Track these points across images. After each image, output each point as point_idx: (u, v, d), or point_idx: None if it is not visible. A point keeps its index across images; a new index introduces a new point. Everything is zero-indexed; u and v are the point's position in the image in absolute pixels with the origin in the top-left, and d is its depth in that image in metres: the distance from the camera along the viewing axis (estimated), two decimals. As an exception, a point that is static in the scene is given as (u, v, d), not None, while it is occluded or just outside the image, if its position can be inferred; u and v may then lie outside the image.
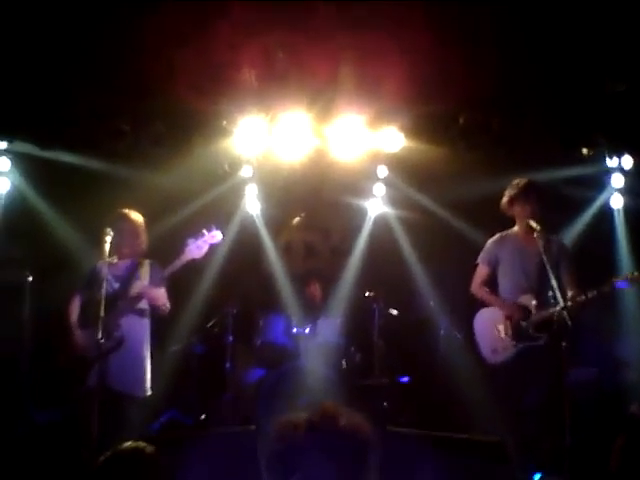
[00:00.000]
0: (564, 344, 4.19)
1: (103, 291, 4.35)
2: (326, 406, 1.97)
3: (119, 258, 4.78)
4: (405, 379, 6.49)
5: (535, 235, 4.63)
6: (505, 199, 4.97)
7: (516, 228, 5.02)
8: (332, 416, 1.94)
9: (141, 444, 1.95)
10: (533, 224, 4.69)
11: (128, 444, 1.98)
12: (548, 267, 4.45)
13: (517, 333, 4.77)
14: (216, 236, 4.91)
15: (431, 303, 6.24)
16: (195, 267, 4.94)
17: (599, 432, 4.82)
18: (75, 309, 4.82)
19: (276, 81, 5.21)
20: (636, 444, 2.01)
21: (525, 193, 4.85)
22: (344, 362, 6.16)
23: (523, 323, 4.75)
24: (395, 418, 5.78)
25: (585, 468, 4.36)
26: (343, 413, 1.95)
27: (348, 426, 1.94)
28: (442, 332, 6.21)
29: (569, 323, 4.22)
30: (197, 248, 4.81)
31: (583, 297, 4.53)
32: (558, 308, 4.38)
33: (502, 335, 4.82)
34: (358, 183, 6.38)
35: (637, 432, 2.04)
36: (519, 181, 4.95)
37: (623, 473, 2.01)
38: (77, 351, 4.64)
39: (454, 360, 6.07)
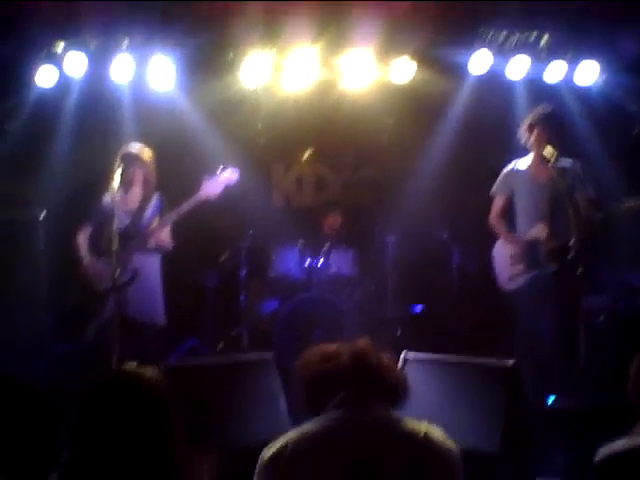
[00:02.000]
0: (579, 270, 4.21)
1: (115, 225, 4.35)
2: (365, 341, 2.05)
3: (128, 192, 4.77)
4: (418, 308, 6.55)
5: (550, 162, 4.59)
6: (524, 125, 4.93)
7: (530, 156, 4.99)
8: (374, 351, 2.02)
9: (141, 367, 1.94)
10: (549, 151, 4.64)
11: (126, 366, 1.97)
12: (563, 194, 4.49)
13: (528, 261, 4.85)
14: (232, 175, 4.87)
15: (444, 235, 6.23)
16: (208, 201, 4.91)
17: (614, 357, 4.89)
18: (84, 241, 4.84)
19: (282, 11, 5.08)
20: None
21: (546, 120, 4.80)
22: (357, 293, 6.23)
23: (534, 251, 4.83)
24: (409, 346, 5.84)
25: (599, 391, 4.44)
26: (382, 352, 2.04)
27: (390, 364, 2.03)
28: (455, 263, 6.21)
29: (583, 250, 4.25)
30: (213, 186, 4.79)
31: (594, 220, 4.58)
32: (574, 235, 4.40)
33: (514, 263, 4.92)
34: (368, 114, 6.25)
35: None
36: (542, 108, 4.90)
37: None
38: (90, 281, 4.69)
39: (468, 291, 6.12)
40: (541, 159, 4.77)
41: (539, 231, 4.86)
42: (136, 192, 4.85)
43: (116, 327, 4.17)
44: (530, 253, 4.86)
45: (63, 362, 5.23)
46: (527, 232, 4.93)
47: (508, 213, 5.07)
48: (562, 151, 4.69)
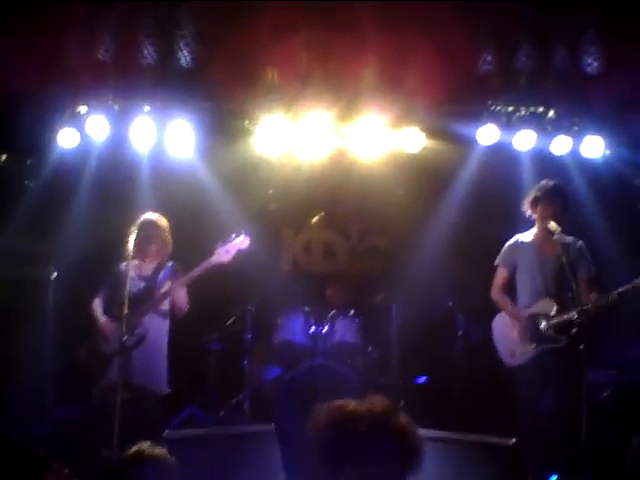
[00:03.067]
0: (582, 347, 4.19)
1: (127, 289, 4.41)
2: (383, 400, 1.92)
3: (144, 259, 4.86)
4: (422, 379, 6.50)
5: (554, 237, 4.63)
6: (529, 198, 4.97)
7: (534, 230, 5.02)
8: (394, 411, 1.90)
9: (153, 448, 1.94)
10: (553, 225, 4.68)
11: (141, 447, 1.97)
12: (567, 270, 4.47)
13: (535, 336, 4.79)
14: (245, 241, 4.97)
15: (449, 303, 6.23)
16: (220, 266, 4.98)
17: (617, 435, 4.80)
18: (98, 305, 4.90)
19: (298, 80, 5.26)
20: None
21: (551, 195, 4.84)
22: (361, 361, 6.20)
23: (543, 325, 4.77)
24: (413, 417, 5.78)
25: (603, 471, 4.36)
26: (401, 411, 1.92)
27: (409, 426, 1.90)
28: (460, 333, 6.20)
29: (588, 326, 4.24)
30: (225, 252, 4.88)
31: (605, 300, 4.55)
32: (577, 311, 4.38)
33: (519, 340, 4.86)
34: (378, 183, 6.38)
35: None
36: (546, 182, 4.95)
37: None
38: (104, 340, 4.72)
39: (472, 361, 6.08)
40: (546, 233, 4.79)
41: (546, 306, 4.81)
42: (151, 260, 4.94)
43: (118, 392, 4.16)
44: (534, 329, 4.79)
45: (66, 424, 5.21)
46: (531, 306, 4.89)
47: (510, 286, 5.06)
48: (566, 226, 4.74)
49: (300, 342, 6.16)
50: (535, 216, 4.96)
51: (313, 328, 6.12)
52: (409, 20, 4.32)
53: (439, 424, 5.44)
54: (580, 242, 4.90)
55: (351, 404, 1.93)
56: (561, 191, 4.91)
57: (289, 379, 5.87)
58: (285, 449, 3.65)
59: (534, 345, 4.80)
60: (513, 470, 3.37)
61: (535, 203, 4.92)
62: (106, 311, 4.87)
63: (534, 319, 4.82)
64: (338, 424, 1.90)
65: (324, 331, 6.10)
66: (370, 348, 6.30)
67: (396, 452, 1.87)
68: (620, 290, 4.55)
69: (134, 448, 1.95)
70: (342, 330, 6.16)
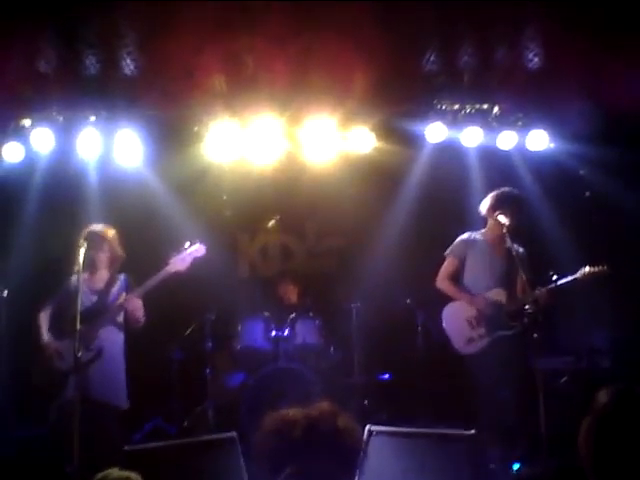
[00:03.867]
0: (535, 335, 4.30)
1: (79, 303, 4.32)
2: (324, 405, 2.00)
3: (94, 273, 4.78)
4: (385, 376, 6.56)
5: (504, 232, 4.78)
6: (488, 204, 5.08)
7: (487, 230, 5.17)
8: (331, 415, 1.97)
9: (119, 472, 1.91)
10: (503, 218, 4.81)
11: (107, 473, 1.93)
12: (512, 269, 4.73)
13: (490, 323, 4.92)
14: (200, 249, 4.93)
15: (408, 300, 6.30)
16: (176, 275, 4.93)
17: (577, 420, 4.91)
18: (45, 320, 4.79)
19: (245, 85, 5.24)
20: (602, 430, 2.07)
21: (509, 204, 4.96)
22: (324, 362, 6.23)
23: (498, 311, 4.92)
24: (376, 415, 5.84)
25: (564, 457, 4.46)
26: (340, 413, 1.99)
27: (346, 427, 1.97)
28: (419, 328, 6.27)
29: (539, 316, 4.37)
30: (181, 261, 4.81)
31: (553, 285, 4.74)
32: (529, 301, 4.52)
33: (474, 326, 4.97)
34: (331, 185, 6.41)
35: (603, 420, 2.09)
36: (505, 191, 5.06)
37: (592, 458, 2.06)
38: (51, 361, 4.62)
39: (433, 355, 6.16)
40: (497, 235, 4.99)
41: (498, 295, 4.98)
42: (102, 273, 4.84)
43: (77, 409, 4.08)
44: (491, 314, 4.94)
45: (25, 444, 5.10)
46: (485, 295, 5.01)
47: (456, 277, 5.16)
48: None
49: (262, 347, 6.16)
50: (490, 220, 5.09)
51: (274, 332, 6.13)
52: (355, 22, 4.33)
53: (403, 419, 5.54)
54: (522, 249, 5.04)
55: (291, 412, 2.00)
56: (518, 201, 5.05)
57: (253, 384, 5.87)
58: (249, 454, 3.64)
59: (488, 330, 4.93)
60: (474, 460, 3.43)
61: (493, 210, 5.03)
62: (53, 326, 4.75)
63: (492, 305, 4.97)
64: (275, 431, 1.97)
65: (285, 334, 6.12)
66: (332, 348, 6.34)
67: (332, 453, 1.93)
68: (568, 279, 4.75)
69: (99, 475, 1.91)
70: (303, 332, 6.18)
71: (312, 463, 1.92)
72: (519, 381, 4.84)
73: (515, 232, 4.89)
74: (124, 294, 4.76)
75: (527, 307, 4.51)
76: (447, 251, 5.21)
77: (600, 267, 4.74)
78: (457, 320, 5.08)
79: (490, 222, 5.09)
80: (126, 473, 1.90)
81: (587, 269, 4.75)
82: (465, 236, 5.19)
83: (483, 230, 5.19)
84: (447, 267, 5.17)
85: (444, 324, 5.17)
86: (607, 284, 4.97)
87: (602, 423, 2.02)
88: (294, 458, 1.93)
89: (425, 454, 3.52)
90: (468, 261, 5.11)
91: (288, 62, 4.74)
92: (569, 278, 4.76)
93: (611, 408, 2.02)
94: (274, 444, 1.95)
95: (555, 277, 4.79)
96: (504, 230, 4.77)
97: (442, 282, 5.17)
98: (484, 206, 5.09)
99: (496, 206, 4.99)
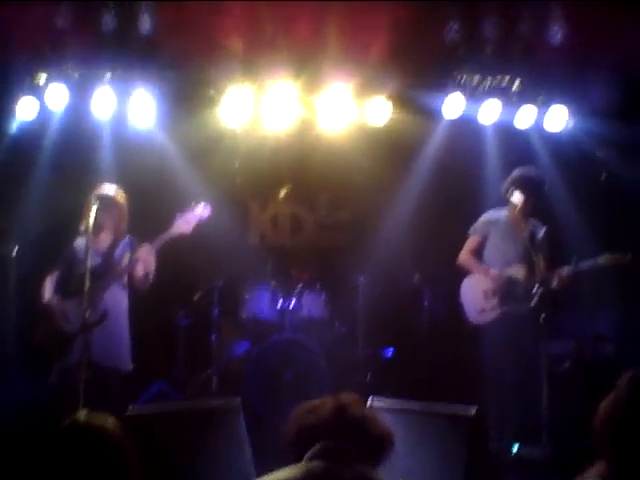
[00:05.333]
0: (542, 317, 4.30)
1: (88, 264, 4.30)
2: (352, 395, 2.06)
3: (99, 234, 4.75)
4: (389, 351, 6.55)
5: (517, 211, 4.85)
6: (509, 182, 5.10)
7: (508, 209, 5.19)
8: (359, 403, 2.03)
9: (101, 419, 1.86)
10: (518, 197, 4.79)
11: (86, 416, 1.89)
12: (533, 249, 4.78)
13: (504, 296, 5.03)
14: (205, 210, 4.89)
15: (415, 276, 6.27)
16: (180, 239, 4.91)
17: (577, 405, 4.92)
18: (50, 282, 4.78)
19: (263, 49, 5.18)
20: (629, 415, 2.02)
21: (528, 185, 5.01)
22: (329, 335, 6.22)
23: (512, 287, 5.01)
24: (379, 390, 5.83)
25: (564, 439, 4.45)
26: (367, 407, 2.05)
27: (374, 416, 2.03)
28: (426, 305, 6.25)
29: (548, 297, 4.49)
30: (185, 222, 4.78)
31: (573, 268, 4.80)
32: (538, 281, 4.53)
33: (489, 297, 5.08)
34: (345, 156, 6.34)
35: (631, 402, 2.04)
36: (526, 173, 5.09)
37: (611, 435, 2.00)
38: (56, 322, 4.62)
39: (437, 332, 6.15)
40: (518, 214, 5.06)
41: (517, 271, 5.06)
42: (107, 234, 4.82)
43: (82, 371, 4.08)
44: (506, 288, 5.03)
45: (29, 404, 5.12)
46: (502, 271, 5.11)
47: (478, 255, 5.26)
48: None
49: (268, 317, 6.16)
50: (512, 200, 5.08)
51: (280, 303, 6.13)
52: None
53: (406, 395, 5.53)
54: (544, 228, 5.10)
55: (320, 400, 2.06)
56: (534, 182, 5.08)
57: (258, 353, 5.88)
58: (253, 422, 3.65)
59: (500, 303, 5.03)
60: (474, 438, 3.43)
61: (513, 189, 5.04)
62: (60, 288, 4.74)
63: (508, 280, 5.06)
64: (306, 411, 2.03)
65: (291, 306, 6.12)
66: (337, 322, 6.34)
67: (360, 437, 1.97)
68: (584, 264, 4.81)
69: (69, 419, 1.88)
70: (309, 304, 6.18)
71: (340, 443, 1.94)
72: (523, 361, 4.90)
73: (532, 213, 4.95)
74: (128, 255, 4.74)
75: (537, 288, 4.52)
76: (470, 230, 5.30)
77: (622, 255, 4.76)
78: (473, 291, 5.20)
79: (511, 203, 5.11)
80: (101, 418, 1.84)
81: (609, 255, 4.77)
82: (488, 215, 5.28)
83: (505, 208, 5.23)
84: (470, 244, 5.29)
85: (461, 294, 5.28)
86: (616, 269, 4.94)
87: (631, 405, 1.97)
88: (322, 436, 1.96)
89: (424, 431, 3.54)
90: (490, 238, 5.21)
91: (306, 25, 4.68)
92: (590, 262, 4.80)
93: (628, 389, 1.98)
94: (303, 422, 1.99)
95: (575, 260, 4.80)
96: (517, 210, 4.77)
97: (463, 258, 5.29)
98: (504, 186, 5.12)
99: (511, 186, 5.01)
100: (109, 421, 1.84)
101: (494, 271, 5.11)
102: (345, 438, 1.95)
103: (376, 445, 2.00)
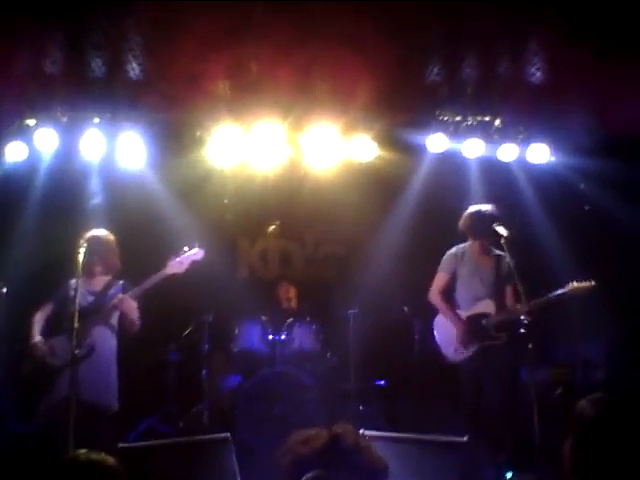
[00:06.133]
0: (530, 346, 4.36)
1: (77, 302, 4.36)
2: (346, 425, 2.06)
3: (93, 276, 4.85)
4: (381, 382, 6.58)
5: (502, 241, 4.84)
6: (462, 224, 5.23)
7: (471, 243, 5.28)
8: (353, 433, 2.03)
9: (100, 455, 1.93)
10: (502, 230, 4.87)
11: (85, 453, 1.95)
12: (500, 280, 4.95)
13: (476, 335, 5.06)
14: (198, 253, 4.99)
15: (405, 308, 6.33)
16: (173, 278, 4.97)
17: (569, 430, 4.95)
18: (40, 319, 4.84)
19: (249, 91, 5.28)
20: (584, 443, 2.10)
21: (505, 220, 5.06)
22: (320, 367, 6.25)
23: (484, 322, 5.06)
24: (372, 421, 5.86)
25: (556, 465, 4.47)
26: (361, 437, 2.05)
27: (368, 446, 2.03)
28: (416, 336, 6.30)
29: (534, 326, 4.49)
30: (179, 264, 4.89)
31: (543, 299, 4.85)
32: (524, 312, 4.58)
33: (458, 340, 5.11)
34: (332, 192, 6.45)
35: (584, 431, 2.12)
36: (474, 211, 5.17)
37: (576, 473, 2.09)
38: (41, 359, 4.66)
39: (429, 363, 6.19)
40: (484, 248, 5.17)
41: (486, 306, 5.12)
42: (100, 277, 4.92)
43: (71, 408, 4.10)
44: (477, 327, 5.07)
45: (18, 442, 5.11)
46: (471, 308, 5.17)
47: (448, 291, 5.29)
48: (513, 230, 4.98)
49: (259, 350, 6.18)
50: (471, 236, 5.24)
51: (271, 336, 6.16)
52: (359, 32, 4.38)
53: (399, 426, 5.56)
54: (508, 256, 5.01)
55: (314, 429, 2.07)
56: (506, 215, 5.15)
57: (249, 387, 5.89)
58: (244, 456, 3.68)
59: (474, 344, 5.07)
60: (467, 466, 3.47)
61: (474, 229, 5.17)
62: (49, 325, 4.80)
63: (474, 319, 5.12)
64: (299, 442, 2.03)
65: (282, 338, 6.14)
66: (329, 354, 6.36)
67: (353, 467, 1.98)
68: (556, 293, 4.87)
69: (69, 455, 1.94)
70: (300, 337, 6.21)
71: (333, 473, 1.96)
72: (506, 391, 4.96)
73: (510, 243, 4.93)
74: (119, 295, 4.81)
75: (522, 318, 4.58)
76: (440, 266, 5.35)
77: (587, 282, 4.83)
78: (445, 329, 5.23)
79: (471, 238, 5.23)
80: (99, 455, 1.91)
81: (575, 284, 4.85)
82: (453, 250, 5.34)
83: (469, 243, 5.30)
84: (437, 282, 5.33)
85: (435, 332, 5.34)
86: (601, 296, 5.03)
87: (582, 434, 2.05)
88: (316, 465, 1.96)
89: (418, 460, 3.56)
90: (459, 274, 5.25)
91: (292, 69, 4.78)
92: (558, 292, 4.87)
93: (592, 419, 2.05)
94: (297, 452, 2.00)
95: (545, 291, 4.88)
96: (502, 241, 4.84)
97: (433, 297, 5.34)
98: (466, 224, 5.21)
99: (494, 221, 5.03)
100: (107, 457, 1.91)
101: (460, 321, 5.12)
102: (338, 468, 1.96)
103: (370, 474, 2.00)
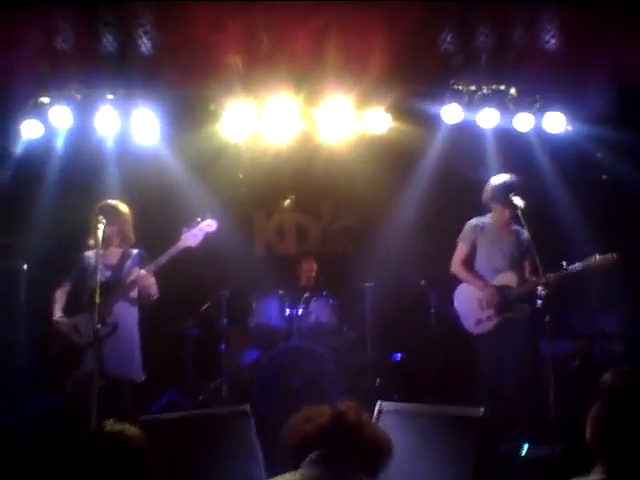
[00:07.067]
0: (547, 318, 4.34)
1: (98, 278, 4.39)
2: (350, 403, 2.07)
3: (107, 248, 4.83)
4: (398, 356, 6.61)
5: (517, 212, 4.81)
6: (491, 192, 5.15)
7: (493, 215, 5.24)
8: (357, 410, 2.04)
9: (124, 426, 1.97)
10: (518, 200, 4.82)
11: (110, 424, 1.99)
12: (520, 253, 4.94)
13: (499, 306, 5.02)
14: (211, 225, 4.95)
15: (421, 281, 6.33)
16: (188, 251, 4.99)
17: (586, 405, 4.93)
18: (60, 297, 4.87)
19: (262, 64, 5.25)
20: (612, 414, 2.09)
21: (524, 191, 4.98)
22: (337, 341, 6.29)
23: (506, 294, 5.02)
24: (388, 394, 5.90)
25: (574, 438, 4.48)
26: (365, 414, 2.06)
27: (371, 423, 2.05)
28: (432, 310, 6.30)
29: (552, 299, 4.46)
30: (193, 236, 4.85)
31: (562, 272, 4.77)
32: (542, 284, 4.55)
33: (484, 307, 5.08)
34: (346, 165, 6.42)
35: (613, 401, 2.11)
36: (516, 178, 5.08)
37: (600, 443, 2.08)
38: (67, 336, 4.72)
39: (445, 336, 6.19)
40: (505, 220, 5.13)
41: (508, 279, 5.08)
42: (116, 247, 4.90)
43: (94, 382, 4.16)
44: (501, 297, 5.03)
45: (44, 416, 5.22)
46: (493, 280, 5.12)
47: (469, 262, 5.27)
48: (531, 200, 4.94)
49: (276, 324, 6.23)
50: (494, 206, 5.18)
51: (288, 310, 6.19)
52: (369, 2, 4.32)
53: (415, 399, 5.58)
54: (526, 232, 4.98)
55: (321, 406, 2.07)
56: (524, 185, 5.06)
57: (267, 361, 5.94)
58: (263, 428, 3.71)
59: (497, 313, 5.03)
60: (481, 440, 3.47)
61: (502, 194, 5.05)
62: (71, 302, 4.84)
63: (500, 289, 5.07)
64: (303, 419, 2.04)
65: (299, 313, 6.17)
66: (345, 328, 6.39)
67: (356, 443, 1.99)
68: (577, 266, 4.78)
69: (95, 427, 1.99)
70: (317, 311, 6.24)
71: (337, 450, 1.96)
72: (525, 363, 4.94)
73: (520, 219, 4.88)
74: (137, 269, 4.83)
75: (540, 290, 4.56)
76: (459, 237, 5.31)
77: (609, 255, 4.75)
78: (468, 300, 5.19)
79: (495, 208, 5.18)
80: (123, 426, 1.96)
81: (597, 257, 4.77)
82: (473, 221, 5.29)
83: (490, 214, 5.25)
84: (459, 253, 5.29)
85: (455, 303, 5.30)
86: (621, 268, 4.96)
87: (613, 405, 2.04)
88: (319, 444, 1.98)
89: (434, 434, 3.54)
90: (479, 245, 5.22)
91: (305, 40, 4.75)
92: (578, 265, 4.79)
93: (622, 390, 2.04)
94: (301, 430, 2.01)
95: (565, 264, 4.80)
96: (519, 212, 4.80)
97: (456, 267, 5.30)
98: (487, 194, 5.17)
99: (507, 190, 4.99)
100: (130, 427, 1.95)
101: (488, 285, 5.08)
102: (342, 445, 1.97)
103: (374, 452, 2.01)
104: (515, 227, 5.12)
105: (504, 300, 5.02)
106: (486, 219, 5.26)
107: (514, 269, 5.08)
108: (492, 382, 5.01)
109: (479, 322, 5.09)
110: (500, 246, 5.16)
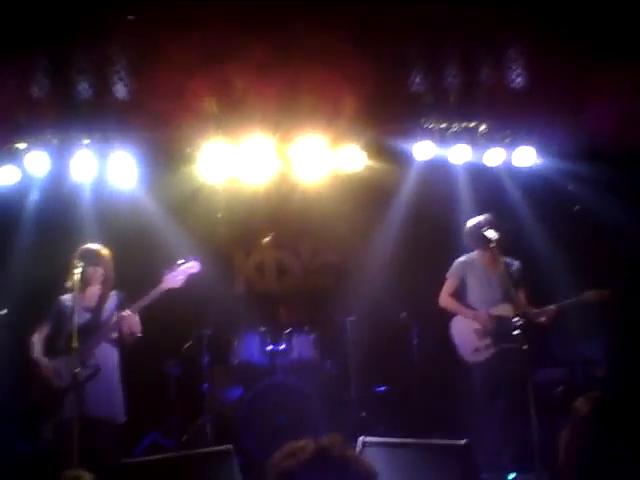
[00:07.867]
0: (525, 347, 4.43)
1: (75, 321, 4.39)
2: (335, 436, 2.02)
3: (85, 290, 4.82)
4: (381, 388, 6.62)
5: (491, 245, 4.94)
6: (466, 239, 5.37)
7: (477, 253, 5.40)
8: (341, 444, 1.99)
9: (79, 473, 1.97)
10: (491, 233, 4.94)
11: (68, 473, 1.99)
12: (511, 284, 4.97)
13: (496, 335, 5.15)
14: (194, 266, 4.98)
15: (402, 314, 6.37)
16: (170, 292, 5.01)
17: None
18: (38, 341, 4.86)
19: (236, 107, 5.32)
20: (581, 439, 2.14)
21: (497, 224, 5.15)
22: (320, 376, 6.29)
23: (502, 325, 5.10)
24: (373, 427, 5.89)
25: (557, 465, 4.49)
26: (349, 446, 2.03)
27: (356, 457, 2.00)
28: (414, 342, 6.33)
29: (529, 329, 4.57)
30: (174, 278, 4.87)
31: (561, 304, 5.09)
32: (519, 314, 4.64)
33: (481, 336, 5.22)
34: (324, 202, 6.51)
35: (581, 427, 2.16)
36: (476, 220, 5.25)
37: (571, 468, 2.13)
38: (47, 380, 4.69)
39: (428, 368, 6.23)
40: (491, 257, 5.20)
41: (504, 309, 5.18)
42: (94, 290, 4.90)
43: (75, 426, 4.14)
44: (497, 327, 5.16)
45: (21, 462, 5.15)
46: (489, 310, 5.26)
47: (457, 296, 5.39)
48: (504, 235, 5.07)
49: (258, 361, 6.23)
50: (476, 246, 5.35)
51: (270, 347, 6.20)
52: (340, 48, 4.44)
53: (401, 430, 5.59)
54: (517, 263, 5.30)
55: (304, 441, 2.03)
56: (496, 219, 5.24)
57: (250, 398, 5.93)
58: (247, 467, 3.72)
59: (494, 342, 5.16)
60: (465, 469, 3.49)
61: (473, 242, 5.31)
62: (51, 345, 4.83)
63: (492, 316, 5.21)
64: (286, 455, 2.00)
65: (281, 349, 6.18)
66: (328, 363, 6.40)
67: (340, 477, 1.96)
68: (568, 301, 5.12)
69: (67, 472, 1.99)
70: (299, 347, 6.25)
71: None
72: (516, 393, 4.93)
73: (504, 250, 5.05)
74: (116, 312, 4.83)
75: (517, 320, 4.62)
76: (448, 272, 5.45)
77: (603, 292, 5.05)
78: (465, 329, 5.31)
79: (476, 248, 5.35)
80: (77, 473, 1.96)
81: (593, 292, 5.05)
82: (462, 258, 5.45)
83: (476, 252, 5.40)
84: (447, 287, 5.44)
85: (452, 332, 5.40)
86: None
87: (580, 430, 2.08)
88: (303, 479, 1.94)
89: (418, 465, 3.57)
90: (469, 282, 5.38)
91: (277, 86, 4.83)
92: (574, 299, 5.10)
93: (590, 417, 2.08)
94: (284, 466, 1.96)
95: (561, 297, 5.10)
96: (492, 245, 4.90)
97: (444, 300, 5.43)
98: (466, 239, 5.37)
99: (484, 226, 5.13)
100: (84, 474, 1.96)
101: (480, 313, 5.23)
102: (324, 478, 1.94)
103: None
104: (506, 259, 5.21)
105: (499, 329, 5.13)
106: (474, 255, 5.41)
107: (509, 300, 5.14)
108: (487, 410, 5.09)
109: (477, 351, 5.23)
110: (488, 281, 5.30)
